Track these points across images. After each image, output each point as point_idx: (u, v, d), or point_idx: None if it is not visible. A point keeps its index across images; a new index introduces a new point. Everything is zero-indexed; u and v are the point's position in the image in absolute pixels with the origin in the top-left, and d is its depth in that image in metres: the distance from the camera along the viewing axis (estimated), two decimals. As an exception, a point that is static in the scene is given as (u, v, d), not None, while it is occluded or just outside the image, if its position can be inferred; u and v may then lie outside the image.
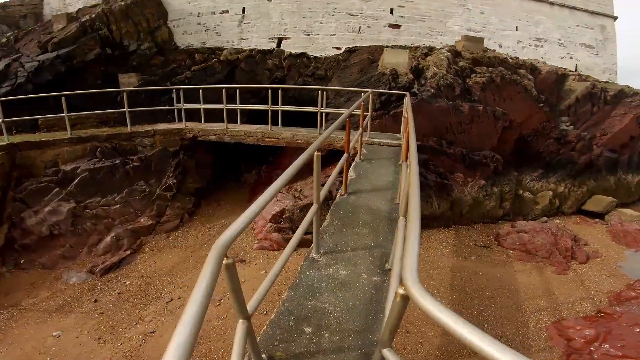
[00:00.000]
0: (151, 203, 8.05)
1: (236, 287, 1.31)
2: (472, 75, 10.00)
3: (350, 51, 12.00)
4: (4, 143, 6.84)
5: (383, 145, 6.49)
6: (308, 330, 2.02)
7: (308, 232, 2.58)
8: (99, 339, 5.12)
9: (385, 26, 12.57)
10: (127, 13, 11.66)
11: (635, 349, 5.16)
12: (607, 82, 13.37)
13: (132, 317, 5.57)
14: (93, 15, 11.03)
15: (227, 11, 13.06)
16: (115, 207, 7.60)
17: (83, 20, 10.95)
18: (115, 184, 7.68)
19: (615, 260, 8.12)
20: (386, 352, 1.19)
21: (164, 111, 9.56)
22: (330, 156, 7.55)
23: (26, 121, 8.11)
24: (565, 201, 10.65)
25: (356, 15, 12.45)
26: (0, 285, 6.16)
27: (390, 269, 2.66)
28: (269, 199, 1.57)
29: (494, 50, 12.35)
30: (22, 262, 6.64)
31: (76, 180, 7.32)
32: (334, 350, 1.89)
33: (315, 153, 2.36)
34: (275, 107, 7.88)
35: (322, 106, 7.44)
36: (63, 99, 7.29)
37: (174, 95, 9.13)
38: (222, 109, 8.20)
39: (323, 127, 7.79)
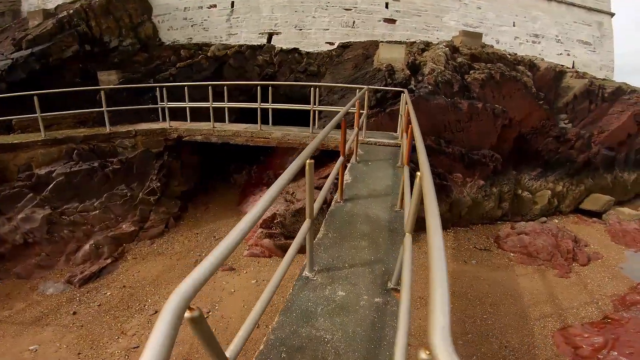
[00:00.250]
0: (133, 208, 7.58)
1: (211, 343, 1.01)
2: (471, 72, 9.69)
3: (344, 46, 11.60)
4: (-27, 146, 6.34)
5: (380, 144, 6.17)
6: (302, 363, 1.76)
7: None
8: (79, 354, 4.83)
9: (380, 21, 12.20)
10: (107, 8, 11.11)
11: (646, 357, 4.97)
12: (604, 79, 13.22)
13: (113, 331, 5.26)
14: (71, 11, 10.47)
15: (215, 5, 12.56)
16: (94, 212, 7.13)
17: (60, 16, 10.37)
18: (93, 188, 7.20)
19: (616, 262, 8.04)
20: None
21: (149, 110, 9.04)
22: (323, 156, 7.16)
23: (0, 122, 7.58)
24: (563, 200, 10.46)
25: (350, 10, 12.07)
26: (-27, 297, 5.77)
27: (393, 289, 2.36)
28: (248, 229, 1.19)
29: (492, 46, 12.08)
30: (-5, 272, 6.21)
31: (51, 184, 6.84)
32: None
33: (308, 161, 1.99)
34: (265, 105, 7.46)
35: (314, 104, 7.01)
36: (35, 98, 6.79)
37: (158, 93, 8.64)
38: (209, 107, 7.74)
39: (316, 126, 7.40)
